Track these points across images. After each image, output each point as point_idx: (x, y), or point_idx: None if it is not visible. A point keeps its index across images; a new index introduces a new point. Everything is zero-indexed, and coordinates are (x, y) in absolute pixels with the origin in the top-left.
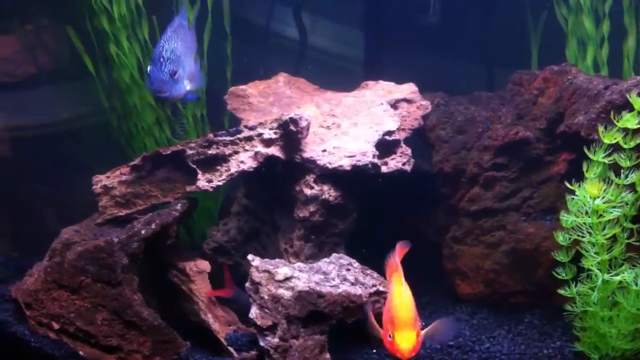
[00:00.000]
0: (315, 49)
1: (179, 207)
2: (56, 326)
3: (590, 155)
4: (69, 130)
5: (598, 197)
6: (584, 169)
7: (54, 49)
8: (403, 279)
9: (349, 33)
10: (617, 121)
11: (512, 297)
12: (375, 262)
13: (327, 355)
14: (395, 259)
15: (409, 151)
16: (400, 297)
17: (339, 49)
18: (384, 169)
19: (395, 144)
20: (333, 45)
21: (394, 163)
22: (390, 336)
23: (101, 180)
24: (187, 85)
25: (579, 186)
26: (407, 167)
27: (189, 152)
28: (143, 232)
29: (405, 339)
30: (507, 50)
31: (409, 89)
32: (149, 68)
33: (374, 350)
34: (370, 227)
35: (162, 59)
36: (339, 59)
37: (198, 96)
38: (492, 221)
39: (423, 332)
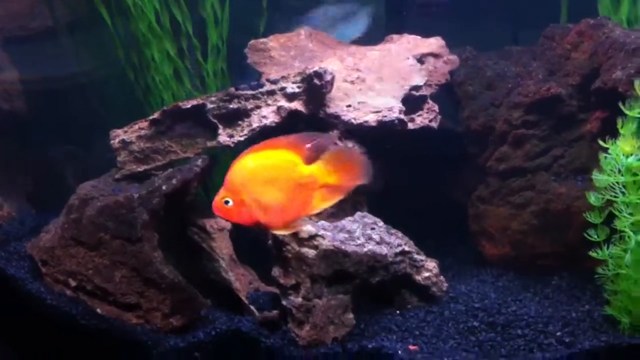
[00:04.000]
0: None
1: (199, 162)
2: (73, 283)
3: (626, 111)
4: (85, 84)
5: (632, 155)
6: (619, 125)
7: (66, 3)
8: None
9: None
10: None
11: (540, 259)
12: (399, 221)
13: (351, 316)
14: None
15: (436, 107)
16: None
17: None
18: (410, 125)
19: (422, 99)
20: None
21: (421, 119)
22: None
23: (119, 135)
24: None
25: (613, 144)
26: (434, 124)
27: (210, 106)
28: (164, 187)
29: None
30: (534, 8)
31: (436, 43)
32: None
33: (397, 312)
34: (395, 186)
35: None
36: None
37: None
38: (520, 181)
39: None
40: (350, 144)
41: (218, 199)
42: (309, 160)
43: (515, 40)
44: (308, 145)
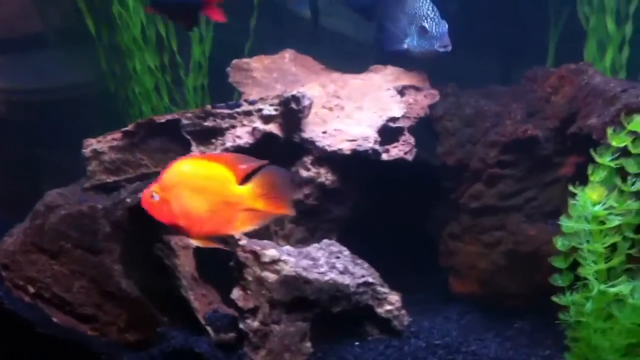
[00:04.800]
0: (327, 30)
1: None
2: (32, 290)
3: (597, 158)
4: (68, 92)
5: (599, 203)
6: (589, 172)
7: (58, 10)
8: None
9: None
10: (628, 124)
11: (506, 299)
12: (369, 251)
13: (308, 344)
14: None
15: (412, 140)
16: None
17: (352, 31)
18: (384, 156)
19: (399, 131)
20: (346, 27)
21: (396, 151)
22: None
23: (92, 144)
24: None
25: (581, 190)
26: (409, 157)
27: (185, 122)
28: (129, 200)
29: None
30: (525, 45)
31: (418, 76)
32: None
33: (357, 343)
34: (368, 217)
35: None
36: (351, 41)
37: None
38: (492, 220)
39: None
40: (277, 171)
41: (147, 191)
42: (241, 182)
43: (505, 77)
44: (243, 167)
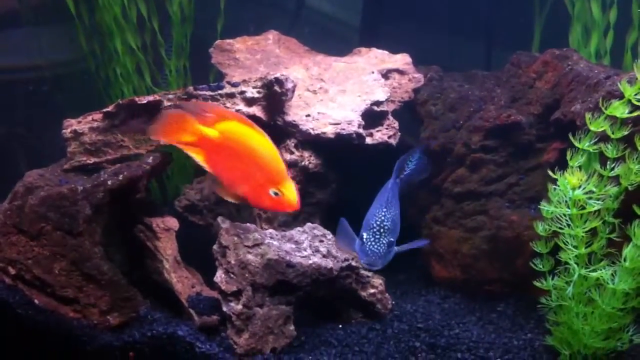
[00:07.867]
0: (311, 10)
1: (150, 160)
2: (12, 271)
3: (576, 143)
4: (44, 71)
5: (578, 187)
6: (568, 157)
7: None
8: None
9: None
10: (606, 109)
11: (488, 284)
12: None
13: (292, 327)
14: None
15: (396, 124)
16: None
17: (336, 12)
18: (368, 140)
19: (383, 115)
20: (330, 7)
21: (380, 135)
22: (276, 193)
23: (72, 125)
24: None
25: (561, 175)
26: (393, 141)
27: (166, 103)
28: (109, 182)
29: (292, 190)
30: (509, 30)
31: (402, 60)
32: (364, 235)
33: (340, 326)
34: (350, 201)
35: (382, 230)
36: (335, 21)
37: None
38: (474, 205)
39: None
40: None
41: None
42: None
43: (488, 59)
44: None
